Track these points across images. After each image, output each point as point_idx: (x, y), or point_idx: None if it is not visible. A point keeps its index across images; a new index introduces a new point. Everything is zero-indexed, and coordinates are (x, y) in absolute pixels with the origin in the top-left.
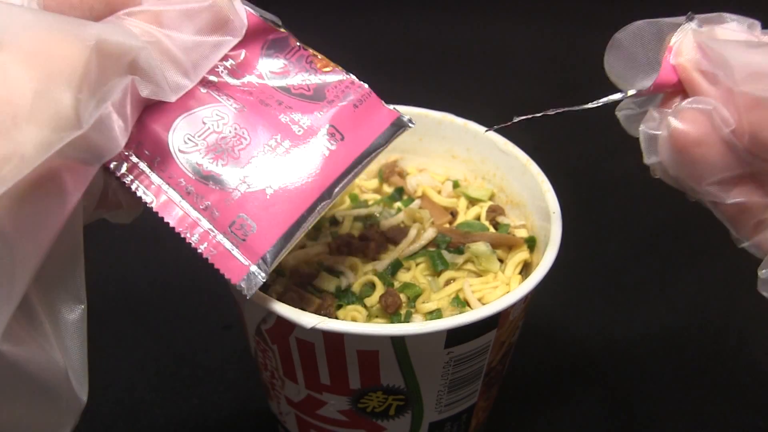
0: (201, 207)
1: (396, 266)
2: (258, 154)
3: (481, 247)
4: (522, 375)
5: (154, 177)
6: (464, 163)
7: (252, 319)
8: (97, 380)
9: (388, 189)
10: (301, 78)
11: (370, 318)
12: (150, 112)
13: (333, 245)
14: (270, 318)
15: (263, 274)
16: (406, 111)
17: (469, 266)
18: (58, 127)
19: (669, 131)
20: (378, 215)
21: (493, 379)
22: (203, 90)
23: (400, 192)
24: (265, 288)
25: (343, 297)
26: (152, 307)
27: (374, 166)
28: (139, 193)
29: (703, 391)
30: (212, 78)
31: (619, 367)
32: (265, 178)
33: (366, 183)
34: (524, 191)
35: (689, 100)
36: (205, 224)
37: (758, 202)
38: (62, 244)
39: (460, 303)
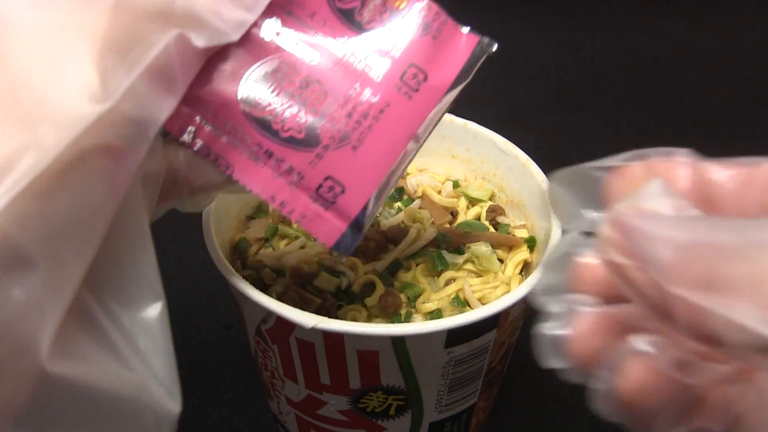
0: (284, 170)
1: (396, 266)
2: (337, 106)
3: (481, 247)
4: (522, 375)
5: (228, 142)
6: (464, 163)
7: (252, 319)
8: None
9: None
10: (372, 12)
11: (370, 318)
12: (213, 69)
13: None
14: (270, 318)
15: (358, 237)
16: None
17: (469, 266)
18: (80, 105)
19: (611, 388)
20: (378, 215)
21: (493, 379)
22: (268, 38)
23: (400, 192)
24: (265, 288)
25: (343, 297)
26: None
27: None
28: (215, 161)
29: None
30: (276, 22)
31: None
32: (348, 133)
33: None
34: (524, 191)
35: (633, 341)
36: (291, 188)
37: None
38: (124, 238)
39: (460, 303)
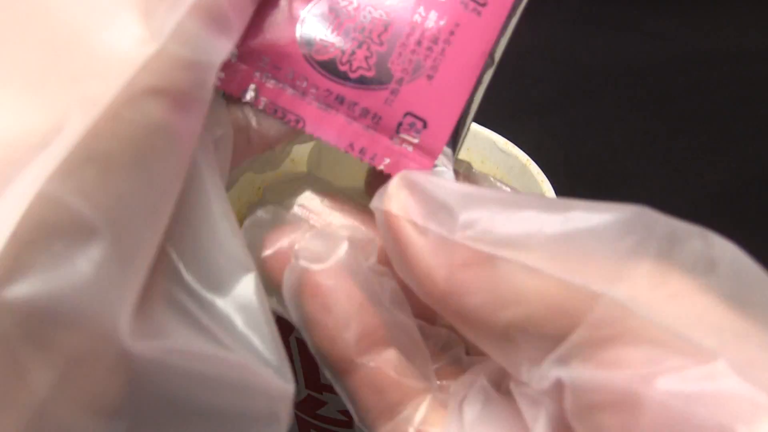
0: (358, 114)
1: None
2: (404, 35)
3: None
4: None
5: (293, 94)
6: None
7: None
8: None
9: None
10: None
11: None
12: (264, 17)
13: None
14: None
15: (448, 172)
16: None
17: None
18: (126, 49)
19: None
20: None
21: None
22: None
23: None
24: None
25: None
26: None
27: None
28: (283, 117)
29: None
30: None
31: None
32: (421, 62)
33: None
34: (524, 191)
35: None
36: (369, 133)
37: (405, 385)
38: (201, 207)
39: None
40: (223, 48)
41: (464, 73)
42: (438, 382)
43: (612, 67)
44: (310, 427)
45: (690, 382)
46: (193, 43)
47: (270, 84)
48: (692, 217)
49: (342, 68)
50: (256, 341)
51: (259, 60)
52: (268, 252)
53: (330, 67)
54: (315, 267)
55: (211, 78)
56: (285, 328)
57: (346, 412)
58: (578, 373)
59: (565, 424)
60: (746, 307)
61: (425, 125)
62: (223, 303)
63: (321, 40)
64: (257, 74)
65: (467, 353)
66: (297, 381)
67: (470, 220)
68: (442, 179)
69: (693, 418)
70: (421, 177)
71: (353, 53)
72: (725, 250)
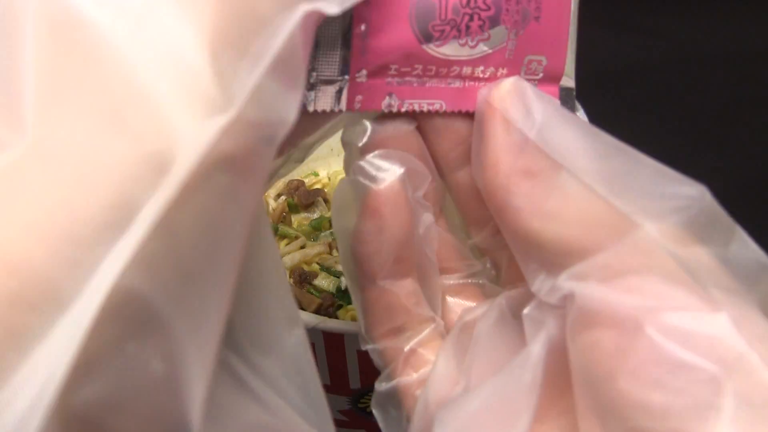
0: (488, 76)
1: None
2: None
3: None
4: None
5: (426, 83)
6: None
7: None
8: None
9: None
10: None
11: None
12: (370, 22)
13: (333, 245)
14: None
15: (571, 99)
16: None
17: None
18: (198, 116)
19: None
20: None
21: None
22: None
23: None
24: None
25: (344, 297)
26: None
27: None
28: (419, 112)
29: None
30: None
31: None
32: (527, 9)
33: None
34: None
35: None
36: None
37: (409, 311)
38: (255, 262)
39: None
40: (294, 101)
41: (560, 5)
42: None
43: (612, 67)
44: None
45: (691, 322)
46: (270, 104)
47: (403, 85)
48: None
49: (463, 45)
50: (301, 401)
51: (387, 70)
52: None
53: (452, 49)
54: (376, 186)
55: (283, 134)
56: None
57: (346, 412)
58: (591, 290)
59: (560, 346)
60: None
61: (544, 61)
62: (271, 363)
63: (436, 28)
64: (389, 81)
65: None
66: None
67: (549, 134)
68: (547, 96)
69: (683, 355)
70: (530, 88)
71: (468, 28)
72: (752, 251)
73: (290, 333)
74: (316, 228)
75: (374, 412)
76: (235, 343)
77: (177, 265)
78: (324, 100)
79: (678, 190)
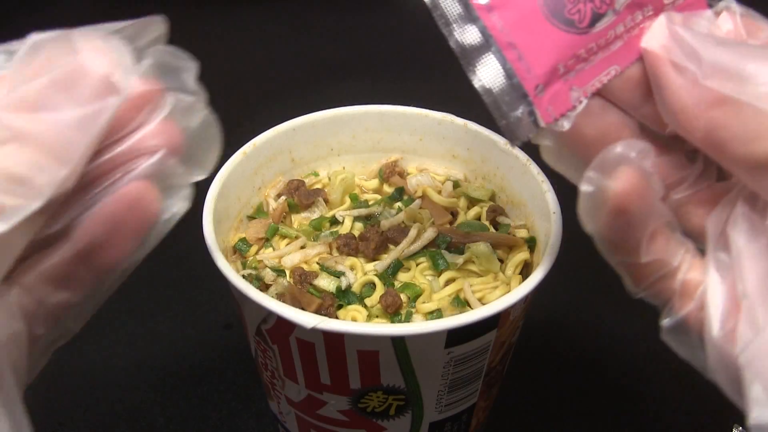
0: (641, 18)
1: (396, 266)
2: None
3: (481, 247)
4: (522, 375)
5: (593, 62)
6: (465, 163)
7: (252, 319)
8: (97, 380)
9: (388, 189)
10: None
11: (370, 318)
12: (525, 47)
13: (333, 245)
14: (270, 318)
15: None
16: (407, 111)
17: (470, 266)
18: None
19: (605, 192)
20: (378, 215)
21: (493, 379)
22: None
23: (400, 192)
24: (265, 288)
25: (344, 297)
26: (152, 307)
27: (375, 165)
28: (600, 85)
29: (705, 390)
30: None
31: (619, 366)
32: None
33: (366, 183)
34: (524, 191)
35: (612, 149)
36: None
37: (668, 258)
38: None
39: (461, 303)
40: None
41: None
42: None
43: None
44: (310, 427)
45: None
46: None
47: (578, 75)
48: None
49: (603, 10)
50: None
51: (557, 72)
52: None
53: (597, 20)
54: (615, 188)
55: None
56: (285, 328)
57: (345, 412)
58: None
59: None
60: None
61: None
62: None
63: (572, 12)
64: (564, 79)
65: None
66: (297, 381)
67: (718, 65)
68: (699, 20)
69: None
70: (678, 18)
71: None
72: None
73: None
74: (316, 228)
75: (667, 341)
76: None
77: None
78: (526, 128)
79: None
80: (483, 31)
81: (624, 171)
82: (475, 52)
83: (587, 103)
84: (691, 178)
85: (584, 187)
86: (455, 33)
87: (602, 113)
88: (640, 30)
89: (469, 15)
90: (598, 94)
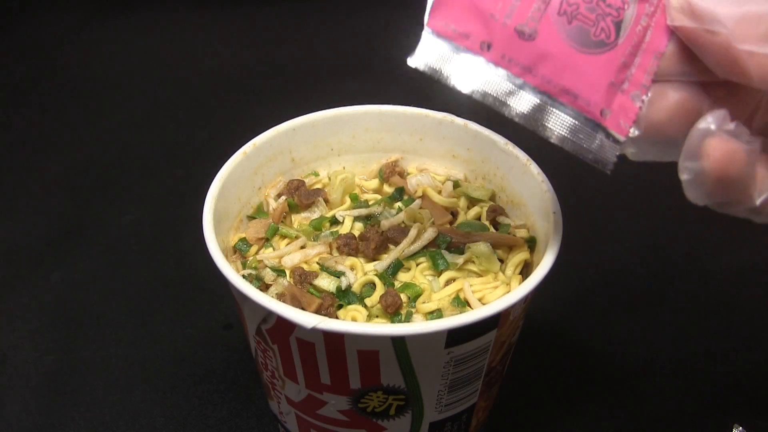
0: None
1: (396, 266)
2: None
3: (481, 247)
4: (522, 375)
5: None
6: (465, 163)
7: (252, 319)
8: (97, 380)
9: (388, 189)
10: None
11: (370, 318)
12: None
13: (333, 245)
14: (270, 318)
15: None
16: (407, 111)
17: (470, 266)
18: None
19: (703, 173)
20: (378, 215)
21: (493, 379)
22: None
23: (400, 192)
24: (265, 288)
25: (344, 297)
26: (152, 307)
27: (375, 165)
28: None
29: (705, 391)
30: None
31: (619, 366)
32: None
33: (366, 183)
34: (524, 191)
35: (693, 132)
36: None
37: None
38: None
39: (461, 303)
40: None
41: None
42: None
43: None
44: (310, 427)
45: None
46: None
47: (632, 79)
48: (694, 217)
49: (625, 25)
50: None
51: (612, 88)
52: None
53: (625, 34)
54: (709, 168)
55: None
56: (285, 328)
57: (346, 412)
58: None
59: None
60: None
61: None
62: None
63: (597, 35)
64: (622, 88)
65: None
66: (297, 381)
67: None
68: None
69: None
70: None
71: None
72: None
73: None
74: (316, 228)
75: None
76: None
77: None
78: (609, 151)
79: None
80: (535, 92)
81: (710, 146)
82: (537, 113)
83: (649, 97)
84: (761, 106)
85: (684, 177)
86: (514, 107)
87: (663, 96)
88: (661, 9)
89: (517, 84)
90: (653, 82)
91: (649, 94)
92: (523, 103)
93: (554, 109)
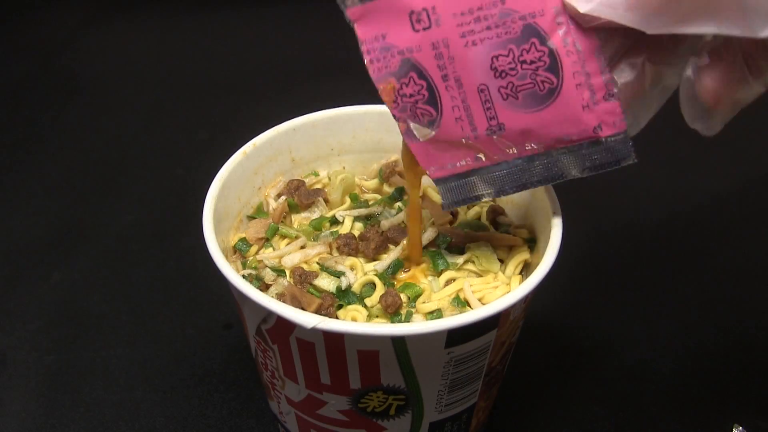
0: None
1: (396, 266)
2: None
3: (481, 247)
4: (522, 375)
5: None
6: None
7: (252, 319)
8: (97, 380)
9: (388, 189)
10: None
11: (370, 318)
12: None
13: (333, 245)
14: (270, 318)
15: None
16: None
17: (470, 266)
18: None
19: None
20: (378, 215)
21: (493, 379)
22: None
23: (400, 192)
24: (265, 288)
25: (344, 297)
26: (152, 307)
27: (375, 165)
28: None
29: (705, 391)
30: None
31: (619, 366)
32: None
33: (366, 183)
34: (524, 191)
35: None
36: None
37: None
38: None
39: (461, 303)
40: None
41: None
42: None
43: None
44: (310, 427)
45: None
46: None
47: (592, 90)
48: (693, 217)
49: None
50: None
51: (581, 111)
52: None
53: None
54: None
55: None
56: (285, 328)
57: (346, 412)
58: None
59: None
60: None
61: None
62: None
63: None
64: (590, 109)
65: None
66: (297, 381)
67: None
68: None
69: None
70: None
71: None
72: None
73: None
74: (316, 228)
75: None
76: None
77: None
78: (623, 149)
79: None
80: (537, 158)
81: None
82: (552, 168)
83: (613, 75)
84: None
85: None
86: (529, 180)
87: (624, 75)
88: (572, 21)
89: (520, 165)
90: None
91: (618, 83)
92: (534, 171)
93: (562, 157)
